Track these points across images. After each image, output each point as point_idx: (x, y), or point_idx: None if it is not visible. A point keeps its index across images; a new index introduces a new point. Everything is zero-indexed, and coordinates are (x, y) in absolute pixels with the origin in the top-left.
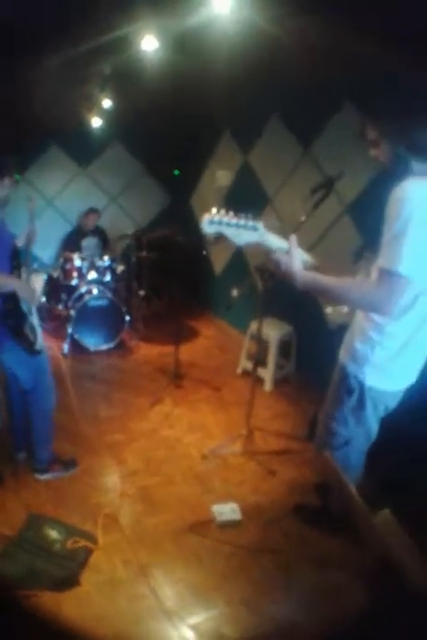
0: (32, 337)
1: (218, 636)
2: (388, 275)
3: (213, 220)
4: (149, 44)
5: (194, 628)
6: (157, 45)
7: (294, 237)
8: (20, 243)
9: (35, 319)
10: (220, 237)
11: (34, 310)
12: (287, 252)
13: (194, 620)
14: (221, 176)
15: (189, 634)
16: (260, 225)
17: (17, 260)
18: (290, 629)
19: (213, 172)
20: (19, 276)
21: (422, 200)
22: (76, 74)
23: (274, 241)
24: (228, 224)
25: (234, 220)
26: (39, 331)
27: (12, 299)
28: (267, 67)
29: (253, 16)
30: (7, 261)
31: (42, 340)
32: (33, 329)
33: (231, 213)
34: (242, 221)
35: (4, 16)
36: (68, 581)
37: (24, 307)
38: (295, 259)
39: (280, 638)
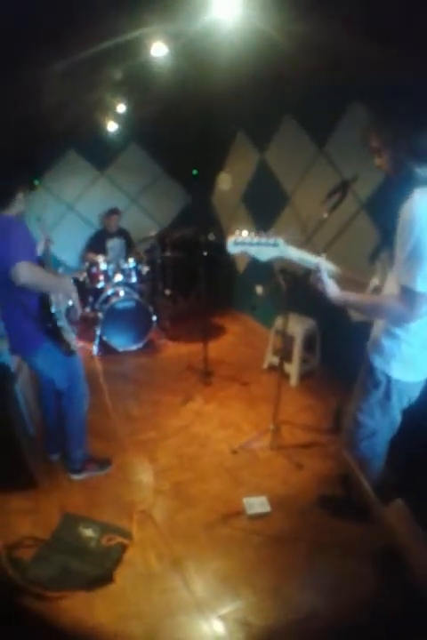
0: (68, 337)
1: (244, 625)
2: (408, 292)
3: (237, 241)
4: (159, 50)
5: (222, 618)
6: (167, 51)
7: (322, 261)
8: (38, 251)
9: (65, 322)
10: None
11: (63, 313)
12: (318, 275)
13: (222, 610)
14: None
15: (218, 624)
16: (280, 241)
17: (41, 266)
18: (312, 615)
19: (230, 170)
20: None
21: None
22: (87, 79)
23: (294, 253)
24: (250, 243)
25: (256, 239)
26: (71, 332)
27: (45, 302)
28: (277, 67)
29: (262, 20)
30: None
31: (75, 341)
32: (67, 331)
33: (253, 233)
34: (263, 239)
35: (15, 20)
36: (102, 579)
37: (54, 310)
38: (328, 285)
39: (302, 624)
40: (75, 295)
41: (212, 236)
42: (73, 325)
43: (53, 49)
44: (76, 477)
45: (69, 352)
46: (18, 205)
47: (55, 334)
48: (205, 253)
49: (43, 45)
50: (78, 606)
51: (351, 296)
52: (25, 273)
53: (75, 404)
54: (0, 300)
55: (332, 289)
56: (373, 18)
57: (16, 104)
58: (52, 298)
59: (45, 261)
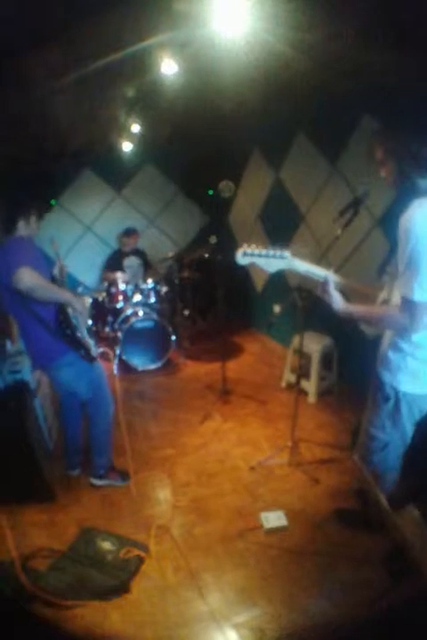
0: (88, 343)
1: (259, 633)
2: (407, 303)
3: (246, 253)
4: (169, 67)
5: (236, 626)
6: (176, 69)
7: (330, 274)
8: (54, 271)
9: (83, 329)
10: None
11: (81, 323)
12: (324, 283)
13: (237, 619)
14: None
15: (231, 633)
16: (286, 253)
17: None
18: (325, 624)
19: (246, 189)
20: None
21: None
22: (99, 97)
23: (301, 266)
24: (259, 255)
25: (264, 251)
26: (90, 338)
27: (62, 311)
28: (288, 83)
29: (272, 34)
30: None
31: (94, 346)
32: (85, 336)
33: (261, 246)
34: (271, 252)
35: (27, 36)
36: (118, 589)
37: (73, 319)
38: (333, 297)
39: (315, 633)
40: (78, 306)
41: (213, 239)
42: (90, 333)
43: (63, 64)
44: (97, 482)
45: (90, 358)
46: (28, 228)
47: (75, 340)
48: (222, 272)
49: (53, 60)
50: (92, 615)
51: (357, 308)
52: (25, 278)
53: (101, 409)
54: (18, 318)
55: (337, 301)
56: (383, 29)
57: (29, 122)
58: (69, 308)
59: (60, 282)
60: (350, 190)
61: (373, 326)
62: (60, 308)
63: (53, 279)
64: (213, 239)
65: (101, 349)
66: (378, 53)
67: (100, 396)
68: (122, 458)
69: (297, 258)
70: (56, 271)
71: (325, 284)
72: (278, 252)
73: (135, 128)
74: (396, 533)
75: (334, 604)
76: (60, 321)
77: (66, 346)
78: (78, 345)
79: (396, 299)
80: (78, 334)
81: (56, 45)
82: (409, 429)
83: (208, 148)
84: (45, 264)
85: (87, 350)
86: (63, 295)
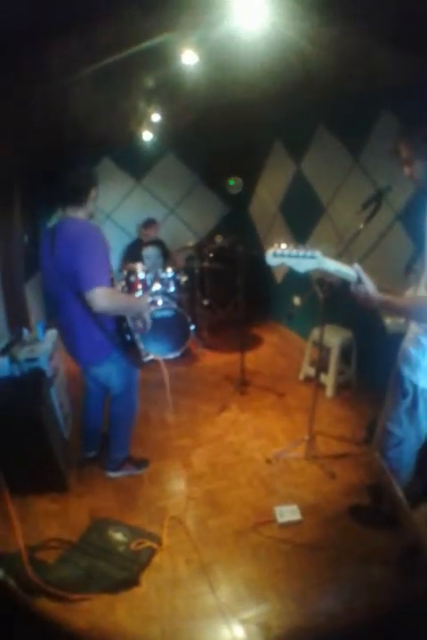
0: (141, 351)
1: (266, 629)
2: None
3: (276, 254)
4: (189, 58)
5: (243, 621)
6: (197, 60)
7: (358, 267)
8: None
9: (138, 334)
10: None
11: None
12: (359, 281)
13: (245, 614)
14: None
15: (239, 628)
16: (317, 253)
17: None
18: (333, 621)
19: (267, 180)
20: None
21: None
22: (119, 86)
23: (331, 265)
24: (289, 255)
25: (294, 252)
26: (142, 345)
27: (124, 316)
28: (309, 76)
29: (292, 28)
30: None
31: (144, 353)
32: (139, 343)
33: (291, 245)
34: (301, 252)
35: (40, 25)
36: (127, 582)
37: (131, 324)
38: (370, 285)
39: (323, 629)
40: (147, 313)
41: (219, 239)
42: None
43: (82, 54)
44: (112, 474)
45: (140, 364)
46: (90, 205)
47: (130, 347)
48: (242, 263)
49: (72, 50)
50: (99, 608)
51: (393, 300)
52: (101, 301)
53: (127, 409)
54: (68, 310)
55: (374, 290)
56: (403, 25)
57: (49, 110)
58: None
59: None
60: (371, 183)
61: (405, 317)
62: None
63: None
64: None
65: (151, 357)
66: (399, 51)
67: (130, 396)
68: (139, 447)
69: (327, 257)
70: None
71: (358, 275)
72: (309, 252)
73: (156, 117)
74: (411, 532)
75: (345, 602)
76: (120, 327)
77: (114, 346)
78: (131, 351)
79: (422, 292)
80: (135, 340)
81: (78, 36)
82: (425, 427)
83: (229, 139)
84: (107, 250)
85: (140, 357)
86: (137, 305)
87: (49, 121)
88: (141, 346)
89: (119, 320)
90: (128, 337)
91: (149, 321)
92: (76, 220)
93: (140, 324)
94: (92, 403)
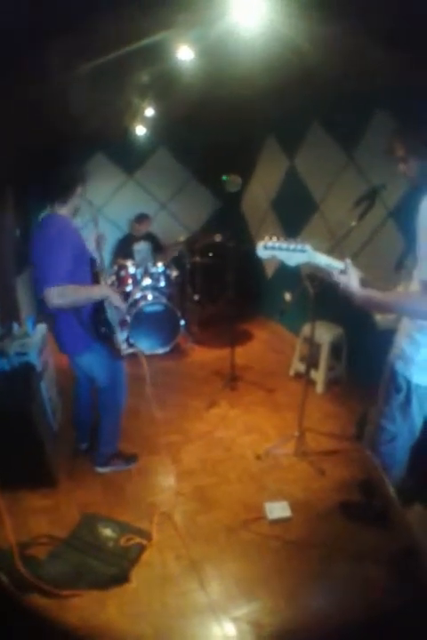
0: (119, 342)
1: (258, 627)
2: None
3: (267, 246)
4: (185, 53)
5: (234, 619)
6: (193, 55)
7: (349, 261)
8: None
9: (117, 327)
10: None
11: (116, 316)
12: (344, 272)
13: (236, 612)
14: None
15: (230, 626)
16: (307, 247)
17: (94, 267)
18: (324, 619)
19: (260, 176)
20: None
21: None
22: (113, 81)
23: (322, 259)
24: (280, 248)
25: (285, 245)
26: (121, 337)
27: (100, 308)
28: (303, 73)
29: (287, 25)
30: (89, 270)
31: (124, 345)
32: (118, 335)
33: (282, 239)
34: (292, 245)
35: (37, 23)
36: (117, 578)
37: (109, 316)
38: (353, 279)
39: (314, 628)
40: (114, 297)
41: (218, 239)
42: (121, 327)
43: (78, 50)
44: (101, 470)
45: (119, 356)
46: (75, 200)
47: (107, 339)
48: (233, 258)
49: (68, 46)
50: (90, 605)
51: (376, 295)
52: (54, 300)
53: (113, 402)
54: None
55: (356, 285)
56: (398, 24)
57: (44, 107)
58: (106, 303)
59: (98, 262)
60: (365, 181)
61: (390, 312)
62: (99, 305)
63: (93, 261)
64: (218, 237)
65: (132, 350)
66: (394, 50)
67: (116, 389)
68: (128, 443)
69: (318, 251)
70: (91, 246)
71: (345, 271)
72: (299, 246)
73: (149, 112)
74: (404, 531)
75: (336, 599)
76: (97, 319)
77: (93, 338)
78: (109, 342)
79: (414, 288)
80: (112, 333)
81: (74, 33)
82: (418, 423)
83: (223, 134)
84: (85, 247)
85: (117, 349)
86: (97, 292)
87: (43, 117)
88: (119, 338)
89: (96, 311)
90: (102, 329)
91: (120, 305)
92: (56, 218)
93: (118, 316)
94: (81, 393)
